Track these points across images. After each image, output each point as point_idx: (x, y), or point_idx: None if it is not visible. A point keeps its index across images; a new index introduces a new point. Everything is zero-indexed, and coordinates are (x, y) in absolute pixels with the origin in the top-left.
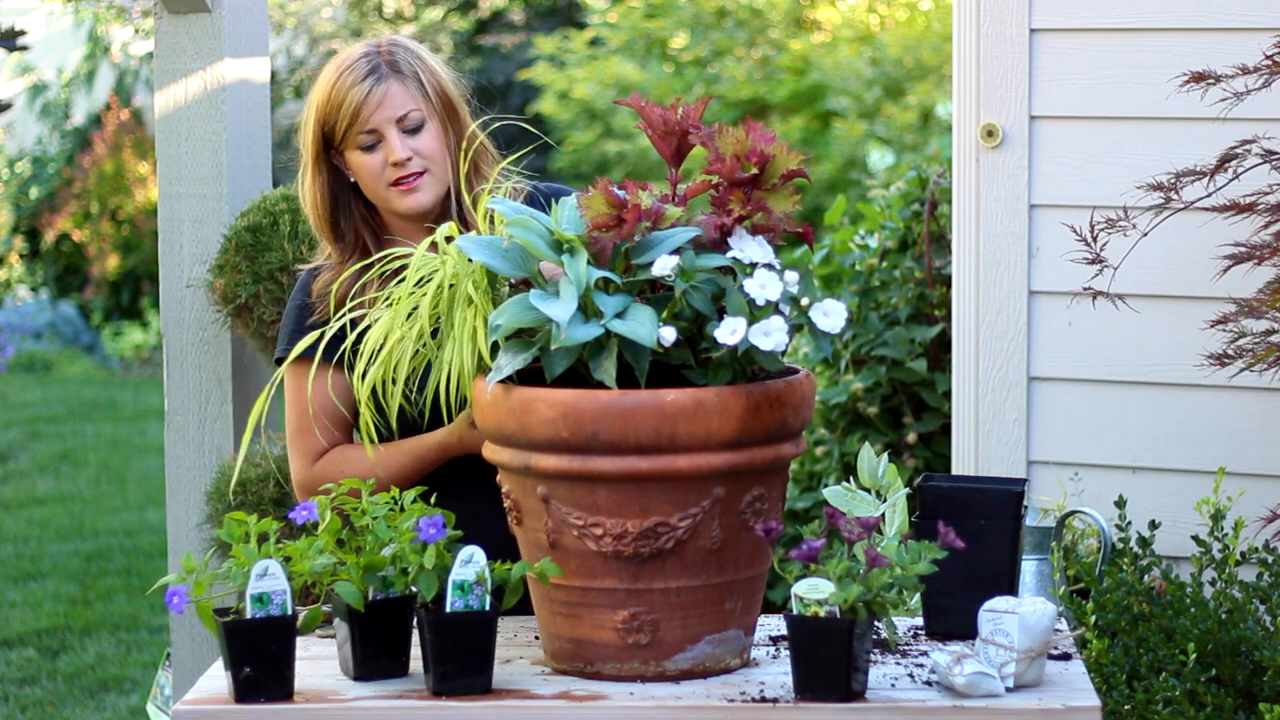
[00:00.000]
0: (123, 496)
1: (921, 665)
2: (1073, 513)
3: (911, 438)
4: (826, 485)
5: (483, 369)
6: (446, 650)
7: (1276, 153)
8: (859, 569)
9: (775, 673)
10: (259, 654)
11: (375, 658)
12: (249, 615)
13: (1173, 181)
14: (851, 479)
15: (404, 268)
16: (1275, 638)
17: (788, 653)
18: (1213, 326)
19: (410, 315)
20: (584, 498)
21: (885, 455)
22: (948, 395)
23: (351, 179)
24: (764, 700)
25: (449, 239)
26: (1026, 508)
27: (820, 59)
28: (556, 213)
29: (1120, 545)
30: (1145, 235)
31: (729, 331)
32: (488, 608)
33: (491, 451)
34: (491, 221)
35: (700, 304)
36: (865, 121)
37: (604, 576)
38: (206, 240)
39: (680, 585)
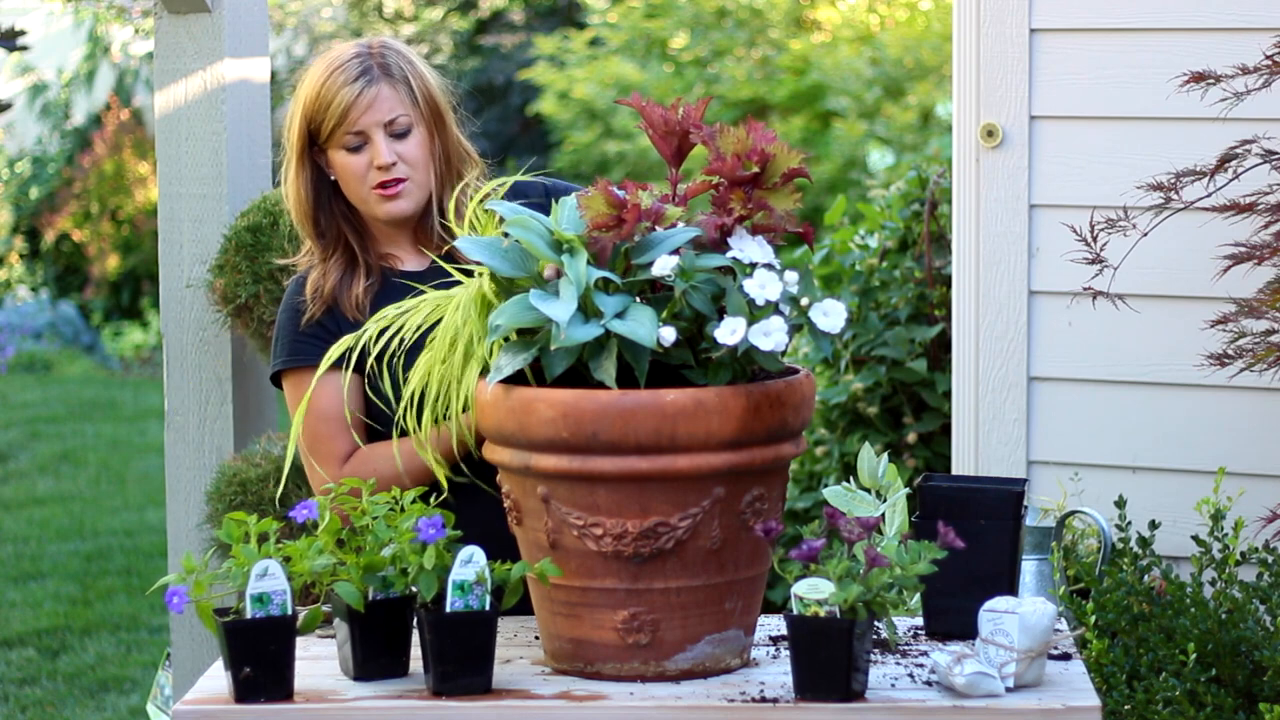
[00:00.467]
0: (123, 496)
1: (921, 665)
2: (1073, 513)
3: (911, 438)
4: (826, 485)
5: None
6: (446, 650)
7: (1276, 153)
8: (859, 569)
9: (775, 673)
10: (259, 654)
11: (375, 658)
12: (249, 615)
13: (1173, 181)
14: (851, 479)
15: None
16: (1275, 638)
17: (788, 653)
18: (1213, 326)
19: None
20: (584, 498)
21: (885, 455)
22: (948, 395)
23: (333, 177)
24: (764, 700)
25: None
26: (1026, 508)
27: (820, 59)
28: (556, 213)
29: (1120, 545)
30: (1145, 235)
31: (729, 331)
32: (488, 608)
33: (491, 451)
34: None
35: (700, 304)
36: (865, 121)
37: (604, 576)
38: (206, 240)
39: (680, 585)
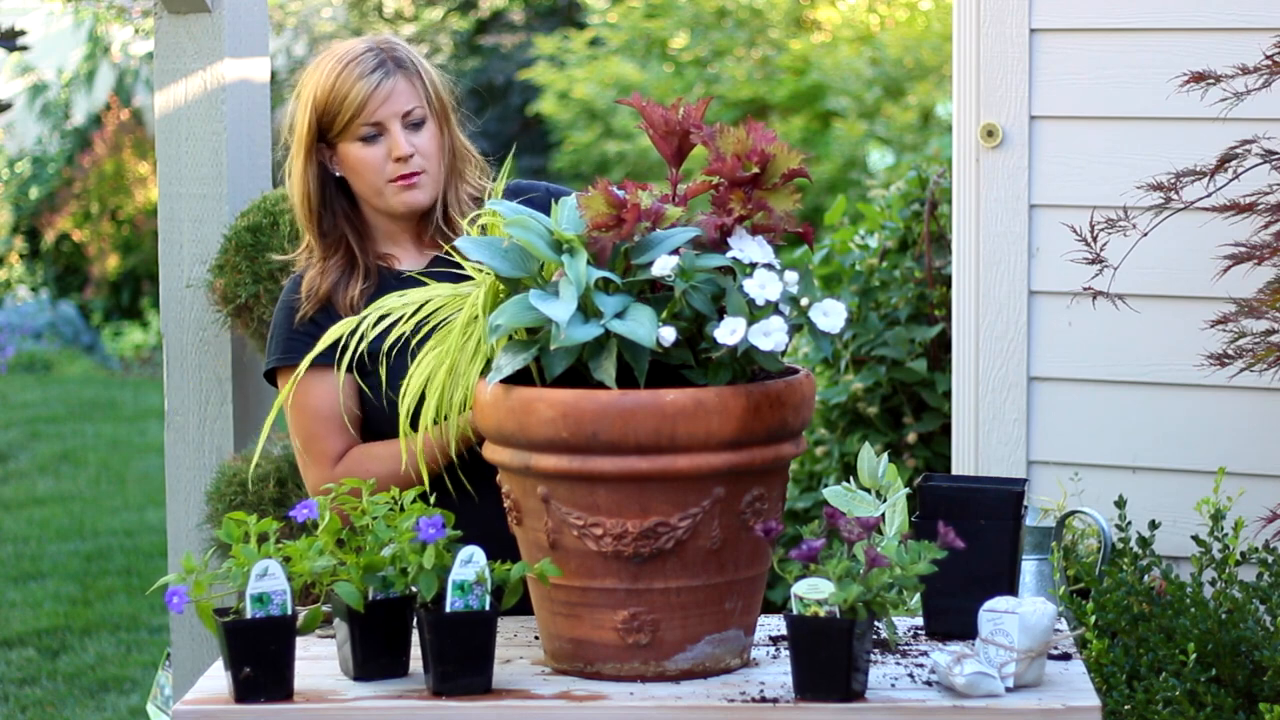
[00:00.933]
0: (123, 496)
1: (921, 665)
2: (1073, 513)
3: (911, 438)
4: (826, 485)
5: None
6: (446, 650)
7: (1276, 153)
8: (859, 569)
9: (775, 673)
10: (259, 654)
11: (375, 658)
12: (249, 615)
13: (1173, 181)
14: (851, 479)
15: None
16: (1275, 638)
17: (788, 653)
18: (1213, 326)
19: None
20: (584, 498)
21: (885, 455)
22: (948, 395)
23: (337, 174)
24: (764, 700)
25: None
26: (1026, 508)
27: (820, 59)
28: (556, 213)
29: (1120, 545)
30: (1145, 235)
31: (729, 331)
32: (488, 608)
33: (491, 451)
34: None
35: (700, 304)
36: (865, 121)
37: (604, 576)
38: (206, 240)
39: (680, 585)
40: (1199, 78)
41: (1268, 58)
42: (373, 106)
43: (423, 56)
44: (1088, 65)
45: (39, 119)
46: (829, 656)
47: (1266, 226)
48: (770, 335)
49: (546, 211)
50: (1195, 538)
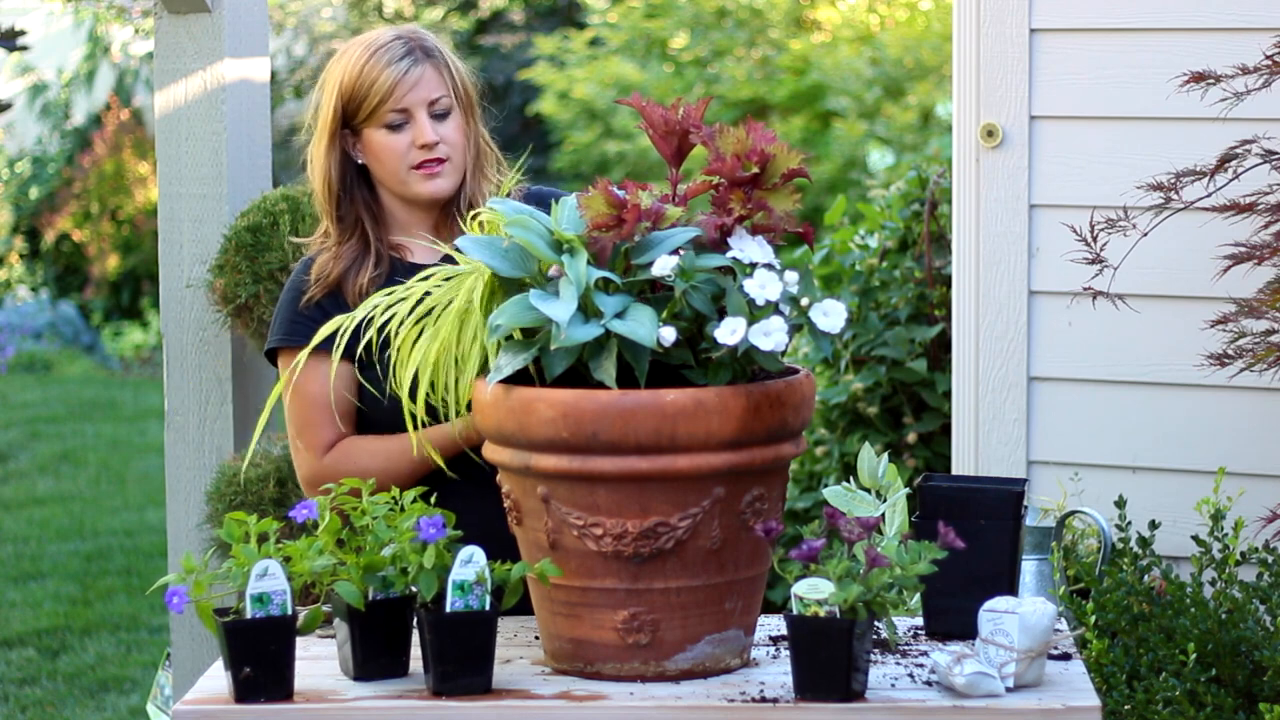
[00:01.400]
0: (123, 496)
1: (921, 665)
2: (1073, 513)
3: (911, 438)
4: (826, 485)
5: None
6: (446, 650)
7: (1276, 153)
8: (859, 569)
9: (775, 673)
10: (259, 654)
11: (375, 658)
12: (249, 615)
13: (1173, 181)
14: (851, 479)
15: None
16: (1275, 638)
17: (788, 653)
18: (1213, 326)
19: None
20: (584, 498)
21: (885, 455)
22: (948, 395)
23: (359, 160)
24: (764, 700)
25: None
26: (1026, 508)
27: (820, 59)
28: (556, 213)
29: (1120, 545)
30: (1145, 235)
31: (729, 331)
32: (488, 608)
33: (491, 451)
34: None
35: (700, 304)
36: (865, 121)
37: (604, 576)
38: (206, 240)
39: (680, 585)
40: (1199, 78)
41: (1268, 58)
42: (400, 93)
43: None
44: (1088, 65)
45: (39, 119)
46: (829, 656)
47: (1266, 226)
48: (770, 335)
49: None
50: (1195, 538)
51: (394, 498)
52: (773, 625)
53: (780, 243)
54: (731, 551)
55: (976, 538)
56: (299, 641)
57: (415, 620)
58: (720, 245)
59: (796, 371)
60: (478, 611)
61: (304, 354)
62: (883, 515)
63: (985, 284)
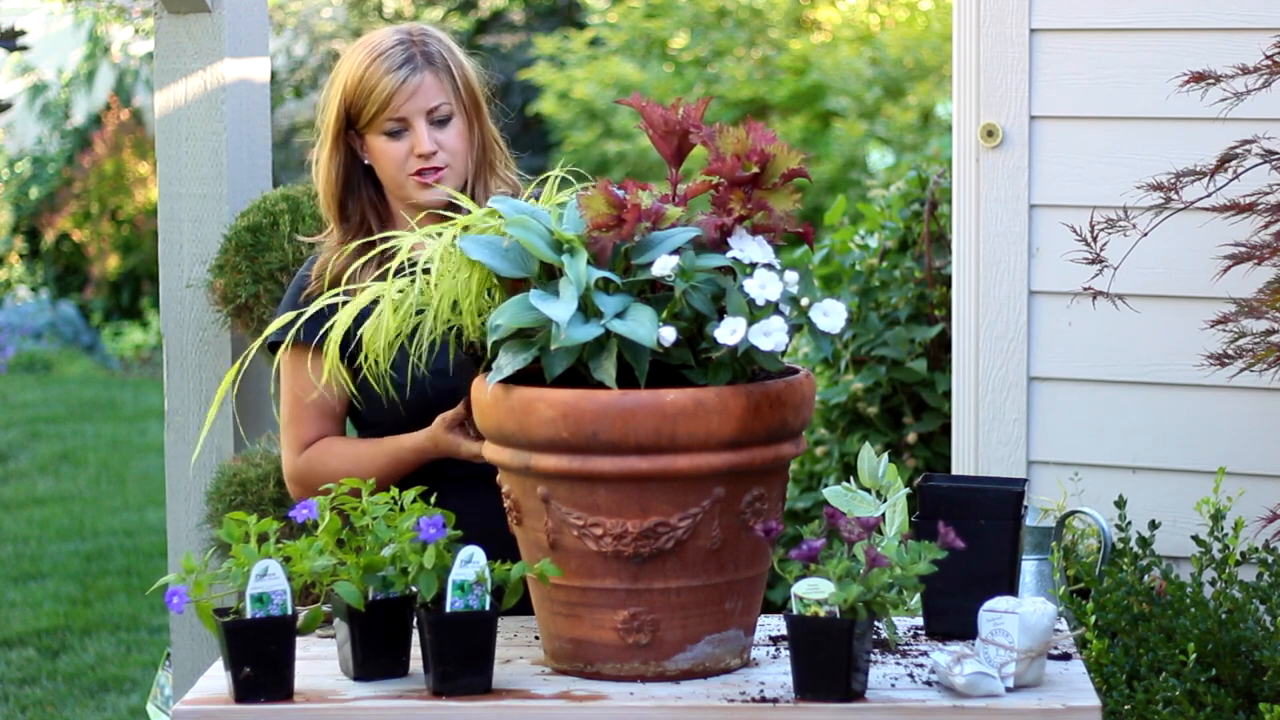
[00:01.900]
0: (123, 496)
1: (921, 665)
2: (1073, 513)
3: (911, 438)
4: (826, 485)
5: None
6: (446, 650)
7: (1276, 153)
8: (859, 569)
9: (775, 673)
10: (259, 654)
11: (375, 658)
12: (249, 615)
13: (1173, 181)
14: (851, 479)
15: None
16: (1275, 638)
17: (788, 653)
18: (1213, 326)
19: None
20: (584, 498)
21: (885, 455)
22: (948, 395)
23: (366, 161)
24: (764, 700)
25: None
26: (1026, 508)
27: (820, 59)
28: (557, 213)
29: (1120, 545)
30: (1145, 235)
31: (729, 331)
32: (488, 608)
33: (491, 451)
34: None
35: (700, 304)
36: (865, 121)
37: (604, 576)
38: (206, 240)
39: (680, 585)
40: (1199, 78)
41: (1268, 58)
42: (397, 102)
43: (461, 47)
44: (1088, 65)
45: (39, 119)
46: (829, 656)
47: (1266, 226)
48: (770, 335)
49: None
50: (1195, 538)
51: (394, 498)
52: (773, 625)
53: (780, 243)
54: (731, 551)
55: (976, 538)
56: (299, 641)
57: (415, 620)
58: (720, 245)
59: (796, 371)
60: (478, 611)
61: (281, 352)
62: (883, 515)
63: (985, 284)
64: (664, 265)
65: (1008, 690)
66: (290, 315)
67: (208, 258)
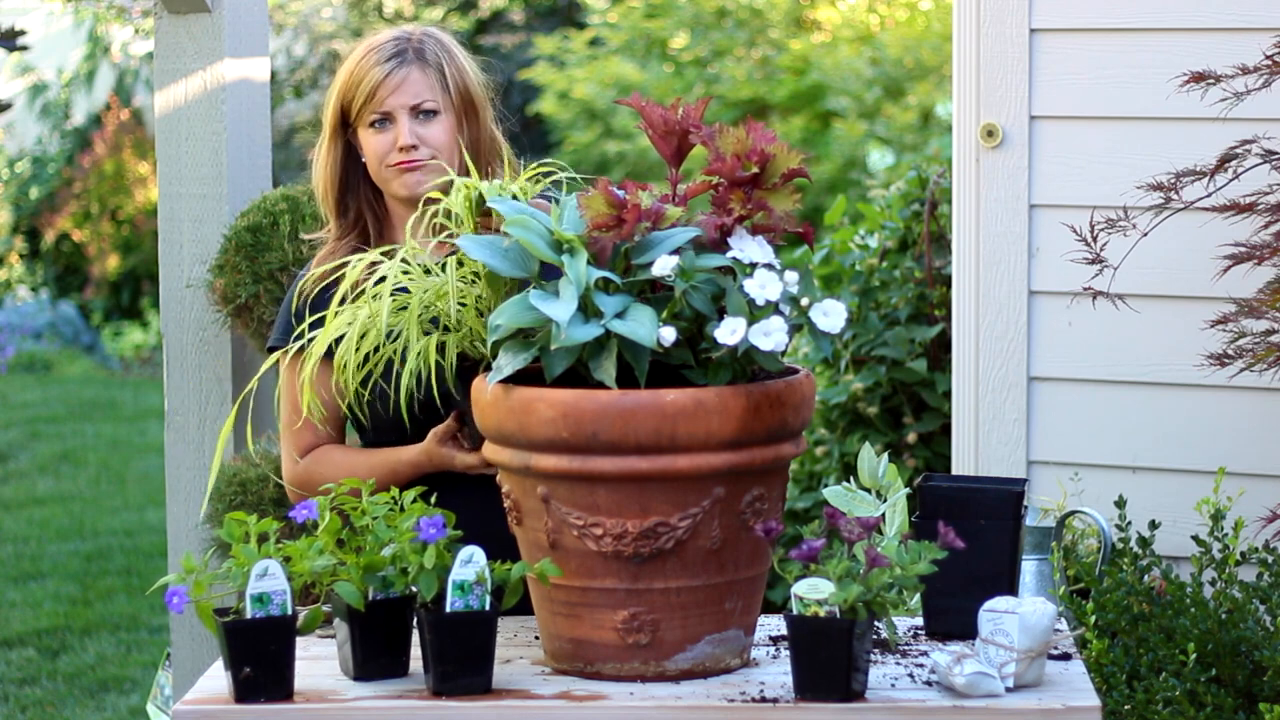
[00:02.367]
0: (123, 496)
1: (921, 665)
2: (1073, 513)
3: (911, 438)
4: (826, 485)
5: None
6: (446, 650)
7: (1276, 153)
8: (859, 569)
9: (775, 673)
10: (259, 654)
11: (375, 658)
12: (249, 615)
13: (1173, 181)
14: (851, 479)
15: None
16: (1275, 638)
17: (788, 653)
18: (1213, 326)
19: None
20: (584, 498)
21: (885, 455)
22: (948, 395)
23: (363, 158)
24: (764, 700)
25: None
26: (1026, 508)
27: (820, 59)
28: (556, 213)
29: (1120, 545)
30: (1145, 235)
31: (729, 331)
32: (488, 608)
33: (491, 451)
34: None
35: (700, 304)
36: (865, 121)
37: (604, 576)
38: (206, 240)
39: (680, 585)
40: (1199, 78)
41: (1268, 58)
42: (381, 95)
43: (465, 51)
44: (1088, 65)
45: (39, 119)
46: (829, 656)
47: (1266, 226)
48: (770, 335)
49: None
50: (1195, 538)
51: (394, 498)
52: (773, 625)
53: (780, 243)
54: (731, 551)
55: (976, 538)
56: (299, 641)
57: (415, 620)
58: (720, 245)
59: (796, 371)
60: (478, 611)
61: (275, 356)
62: (883, 515)
63: (985, 284)
64: (664, 265)
65: (1008, 690)
66: (296, 321)
67: (208, 258)
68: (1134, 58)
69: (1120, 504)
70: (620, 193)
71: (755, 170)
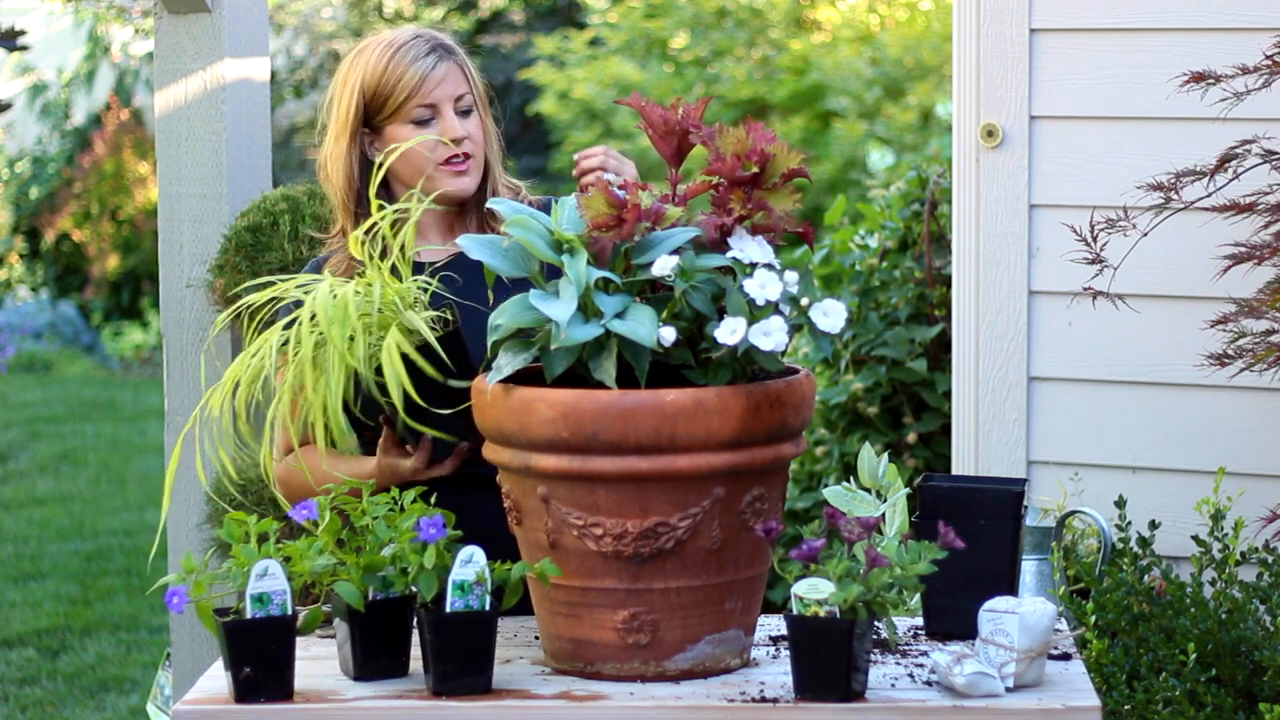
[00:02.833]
0: (123, 496)
1: (921, 665)
2: (1073, 513)
3: (911, 438)
4: (826, 485)
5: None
6: (446, 650)
7: (1276, 153)
8: (859, 569)
9: (775, 673)
10: (259, 654)
11: (375, 658)
12: (249, 615)
13: (1173, 181)
14: (851, 479)
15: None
16: (1275, 638)
17: (788, 653)
18: (1213, 326)
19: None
20: (584, 498)
21: (885, 455)
22: (948, 395)
23: (376, 160)
24: (764, 700)
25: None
26: (1026, 508)
27: (820, 59)
28: (556, 213)
29: (1120, 545)
30: (1145, 235)
31: (729, 331)
32: (488, 608)
33: (491, 451)
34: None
35: (700, 304)
36: (865, 121)
37: (604, 576)
38: (206, 240)
39: (680, 585)
40: (1199, 78)
41: (1268, 58)
42: (428, 88)
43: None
44: (1088, 65)
45: (39, 119)
46: (829, 656)
47: (1266, 226)
48: (770, 335)
49: None
50: (1195, 538)
51: (394, 498)
52: (773, 625)
53: (780, 243)
54: (731, 551)
55: (976, 538)
56: (299, 641)
57: (415, 620)
58: (720, 245)
59: (796, 371)
60: (478, 611)
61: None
62: (883, 515)
63: (985, 284)
64: (664, 265)
65: (1008, 690)
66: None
67: (208, 258)
68: (1134, 58)
69: (1120, 504)
70: (620, 193)
71: (755, 170)
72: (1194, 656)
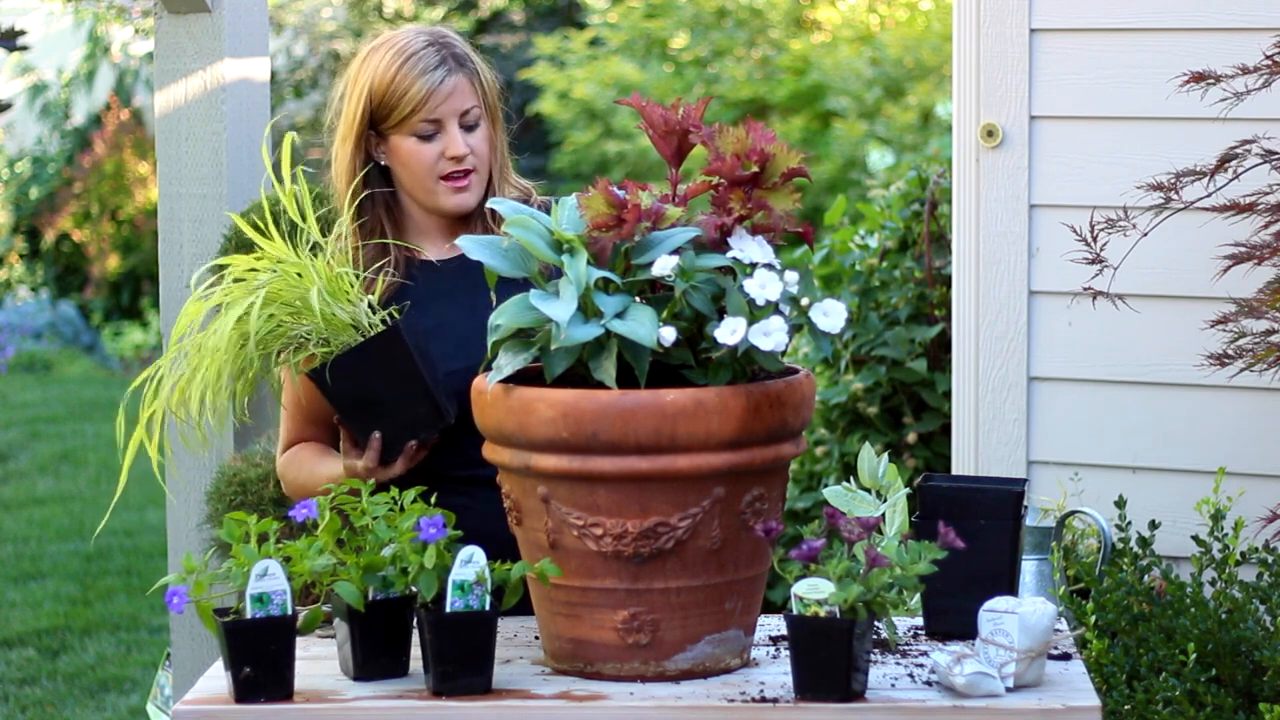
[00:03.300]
0: (123, 496)
1: (921, 665)
2: (1073, 513)
3: (911, 438)
4: (826, 485)
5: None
6: (446, 650)
7: (1276, 153)
8: (859, 569)
9: (775, 673)
10: (259, 654)
11: (375, 658)
12: (249, 615)
13: (1173, 181)
14: (851, 479)
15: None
16: (1275, 638)
17: (788, 653)
18: (1213, 326)
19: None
20: (584, 498)
21: (885, 455)
22: (948, 395)
23: (382, 163)
24: (764, 700)
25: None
26: (1026, 508)
27: (820, 59)
28: (556, 213)
29: (1120, 545)
30: (1145, 235)
31: (729, 331)
32: (488, 608)
33: (491, 451)
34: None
35: (700, 304)
36: (865, 121)
37: (604, 576)
38: (206, 240)
39: (680, 585)
40: (1199, 78)
41: (1268, 58)
42: (434, 103)
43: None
44: (1088, 65)
45: (39, 119)
46: (829, 656)
47: (1266, 226)
48: (770, 335)
49: None
50: (1195, 538)
51: (394, 498)
52: (773, 625)
53: (780, 243)
54: (731, 551)
55: (976, 538)
56: (299, 641)
57: (415, 620)
58: (720, 245)
59: (796, 371)
60: (478, 611)
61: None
62: (883, 515)
63: (985, 284)
64: (664, 265)
65: (1008, 690)
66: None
67: (208, 258)
68: (1134, 58)
69: (1120, 504)
70: (620, 193)
71: (755, 170)
72: (1194, 656)
